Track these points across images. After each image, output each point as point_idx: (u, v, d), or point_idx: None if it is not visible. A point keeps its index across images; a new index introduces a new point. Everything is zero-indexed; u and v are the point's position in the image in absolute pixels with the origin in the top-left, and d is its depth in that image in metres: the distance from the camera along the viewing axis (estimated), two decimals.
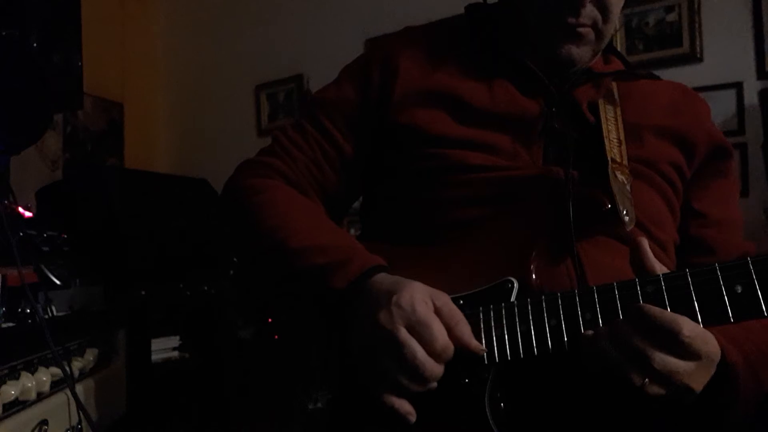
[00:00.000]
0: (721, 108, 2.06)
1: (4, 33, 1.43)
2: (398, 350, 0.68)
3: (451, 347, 0.70)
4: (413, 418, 0.70)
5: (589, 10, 0.85)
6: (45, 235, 1.55)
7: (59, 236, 1.60)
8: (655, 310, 0.64)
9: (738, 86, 2.10)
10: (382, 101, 0.94)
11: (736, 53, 2.11)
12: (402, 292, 0.71)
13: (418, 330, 0.69)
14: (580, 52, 0.87)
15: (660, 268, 0.67)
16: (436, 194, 0.87)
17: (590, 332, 0.67)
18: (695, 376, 0.65)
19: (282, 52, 3.00)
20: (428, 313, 0.70)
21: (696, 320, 0.63)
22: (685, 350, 0.63)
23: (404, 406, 0.70)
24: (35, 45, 1.50)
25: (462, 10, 1.01)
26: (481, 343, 0.71)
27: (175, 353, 1.98)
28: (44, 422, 1.19)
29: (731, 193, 0.96)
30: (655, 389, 0.64)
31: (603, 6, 0.85)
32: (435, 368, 0.69)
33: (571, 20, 0.85)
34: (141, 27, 3.25)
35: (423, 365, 0.68)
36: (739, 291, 0.62)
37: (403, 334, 0.69)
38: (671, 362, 0.63)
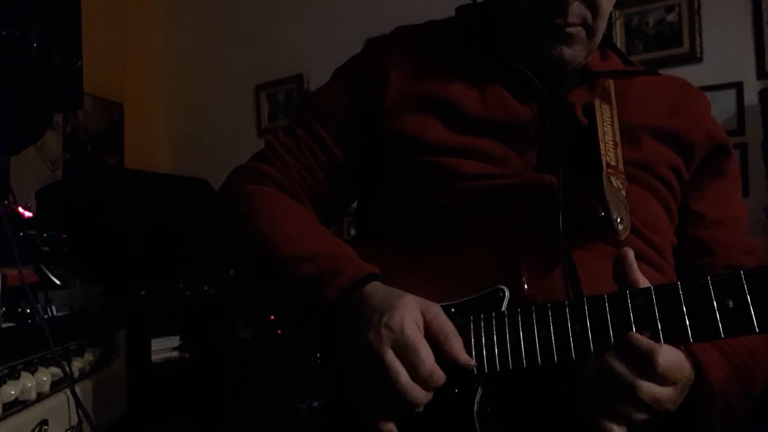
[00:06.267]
0: (721, 108, 2.06)
1: (4, 33, 1.43)
2: (383, 372, 0.68)
3: (439, 372, 0.68)
4: None
5: (577, 8, 0.83)
6: (45, 235, 1.55)
7: (59, 236, 1.60)
8: (633, 336, 0.63)
9: (738, 86, 2.10)
10: (373, 107, 0.93)
11: (736, 53, 2.11)
12: (392, 311, 0.70)
13: (405, 353, 0.68)
14: (573, 53, 0.86)
15: (644, 282, 0.66)
16: (428, 201, 0.86)
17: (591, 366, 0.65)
18: (674, 399, 0.65)
19: (282, 52, 3.00)
20: (417, 336, 0.69)
21: (686, 335, 0.62)
22: (662, 379, 0.63)
23: (386, 425, 0.69)
24: (35, 45, 1.50)
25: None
26: (471, 353, 0.70)
27: (175, 353, 1.98)
28: (44, 422, 1.19)
29: (730, 191, 0.94)
30: (640, 416, 0.64)
31: (592, 2, 0.83)
32: (418, 394, 0.68)
33: (559, 20, 0.83)
34: (141, 27, 3.25)
35: (405, 390, 0.67)
36: (731, 306, 0.60)
37: (389, 356, 0.68)
38: (657, 391, 0.63)
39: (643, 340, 0.63)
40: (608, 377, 0.63)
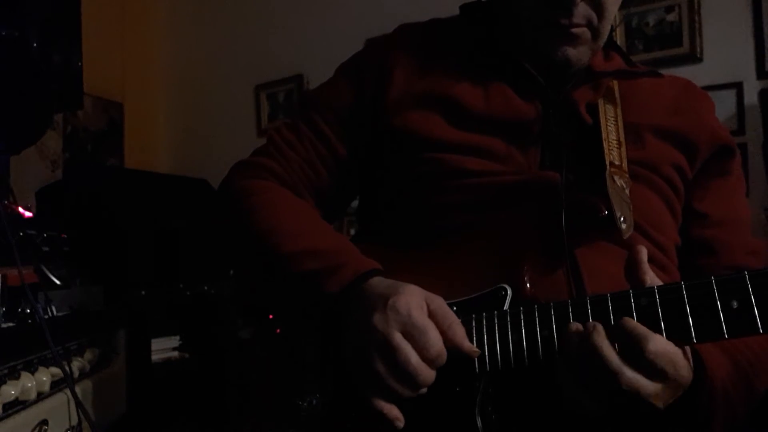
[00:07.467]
0: (721, 108, 2.03)
1: (4, 33, 1.42)
2: (392, 355, 0.68)
3: (446, 354, 0.69)
4: (401, 423, 0.69)
5: (582, 9, 0.82)
6: (45, 235, 1.55)
7: (59, 236, 1.60)
8: (630, 321, 0.63)
9: (738, 86, 2.10)
10: (376, 104, 0.93)
11: (736, 53, 2.11)
12: (398, 295, 0.70)
13: (413, 335, 0.68)
14: (577, 54, 0.86)
15: (652, 280, 0.66)
16: (430, 199, 0.86)
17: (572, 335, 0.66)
18: (660, 396, 0.64)
19: (282, 52, 3.00)
20: (424, 319, 0.69)
21: (689, 335, 0.62)
22: (650, 366, 0.62)
23: (393, 411, 0.69)
24: (35, 45, 1.50)
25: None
26: None
27: (175, 353, 1.98)
28: (44, 422, 1.19)
29: (734, 191, 0.94)
30: (619, 400, 0.64)
31: (597, 3, 0.83)
32: (428, 374, 0.68)
33: (564, 21, 0.83)
34: (141, 27, 3.25)
35: (416, 371, 0.67)
36: (735, 306, 0.60)
37: (398, 338, 0.68)
38: (641, 384, 0.62)
39: (638, 326, 0.62)
40: (593, 359, 0.63)
